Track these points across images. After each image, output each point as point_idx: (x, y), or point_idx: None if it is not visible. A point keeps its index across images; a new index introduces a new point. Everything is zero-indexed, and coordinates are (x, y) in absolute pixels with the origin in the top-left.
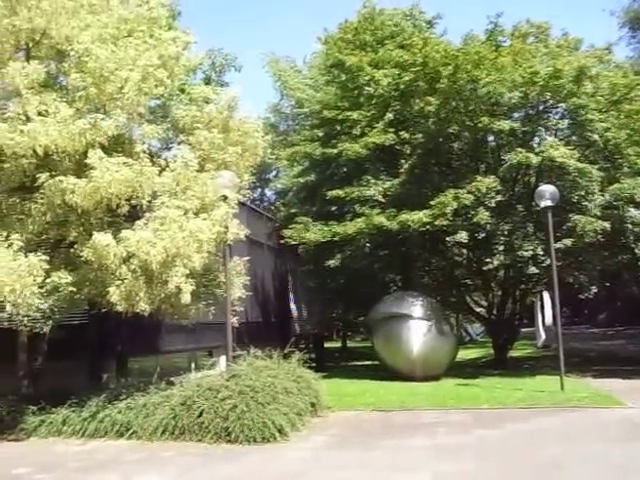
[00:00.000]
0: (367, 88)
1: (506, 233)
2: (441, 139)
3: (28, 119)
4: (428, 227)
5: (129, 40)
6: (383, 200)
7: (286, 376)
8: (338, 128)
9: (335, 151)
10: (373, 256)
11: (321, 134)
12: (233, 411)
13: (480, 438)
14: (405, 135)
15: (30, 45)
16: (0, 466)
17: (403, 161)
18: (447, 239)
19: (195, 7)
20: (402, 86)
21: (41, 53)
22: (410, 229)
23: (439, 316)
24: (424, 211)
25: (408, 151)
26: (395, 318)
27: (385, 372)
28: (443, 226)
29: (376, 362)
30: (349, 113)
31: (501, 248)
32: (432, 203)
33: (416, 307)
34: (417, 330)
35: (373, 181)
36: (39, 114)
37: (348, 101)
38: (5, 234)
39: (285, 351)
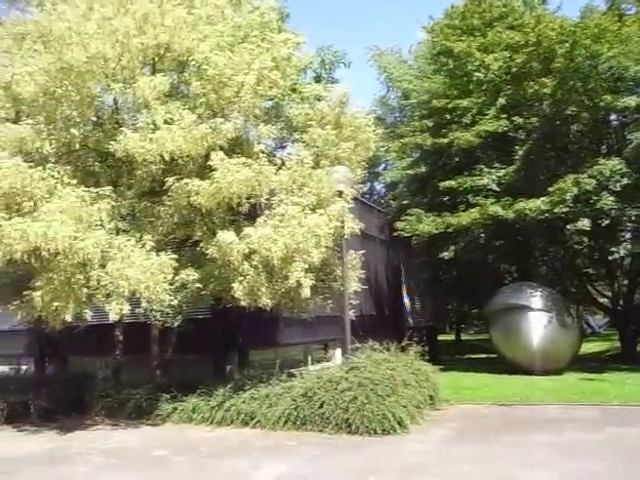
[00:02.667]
0: (477, 74)
1: (633, 219)
2: (558, 122)
3: (156, 128)
4: (546, 215)
5: (243, 46)
6: (497, 189)
7: (404, 369)
8: (448, 117)
9: (446, 141)
10: (488, 247)
11: (431, 124)
12: (353, 403)
13: (613, 436)
14: (519, 120)
15: (155, 60)
16: (141, 447)
17: (517, 147)
18: (567, 227)
19: (301, 5)
20: (514, 69)
21: (164, 66)
22: (527, 218)
23: (560, 307)
24: (542, 198)
25: (522, 137)
26: (513, 310)
27: (503, 365)
28: (562, 213)
29: (493, 355)
30: (459, 101)
31: (628, 235)
32: (550, 190)
33: (535, 298)
34: (537, 322)
35: (486, 170)
36: (165, 122)
37: (457, 89)
38: (138, 235)
39: (402, 344)
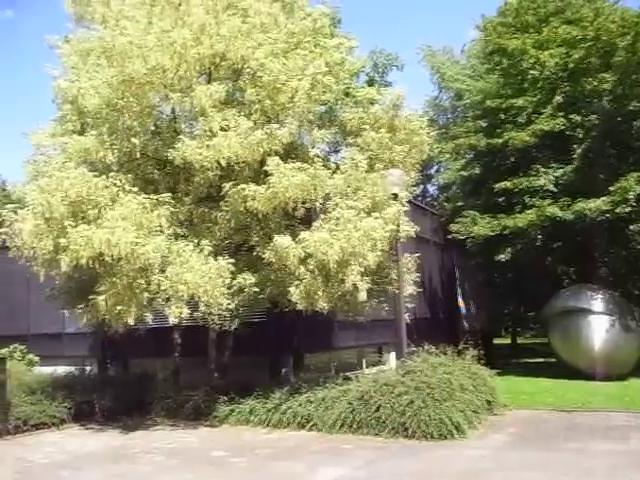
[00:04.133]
0: (531, 72)
1: None
2: (619, 118)
3: (213, 135)
4: (607, 215)
5: (297, 52)
6: (555, 189)
7: (461, 373)
8: (502, 117)
9: (500, 141)
10: (545, 248)
11: (484, 124)
12: (410, 407)
13: None
14: (576, 118)
15: (211, 68)
16: (200, 448)
17: (575, 146)
18: (629, 227)
19: (352, 9)
20: (571, 65)
21: (220, 74)
22: (587, 218)
23: (623, 310)
24: (602, 198)
25: (580, 135)
26: (573, 313)
27: (562, 370)
28: (625, 213)
29: (551, 359)
30: (513, 100)
31: None
32: (611, 189)
33: (596, 301)
34: (598, 325)
35: (543, 170)
36: (222, 129)
37: (511, 88)
38: (196, 240)
39: (458, 347)
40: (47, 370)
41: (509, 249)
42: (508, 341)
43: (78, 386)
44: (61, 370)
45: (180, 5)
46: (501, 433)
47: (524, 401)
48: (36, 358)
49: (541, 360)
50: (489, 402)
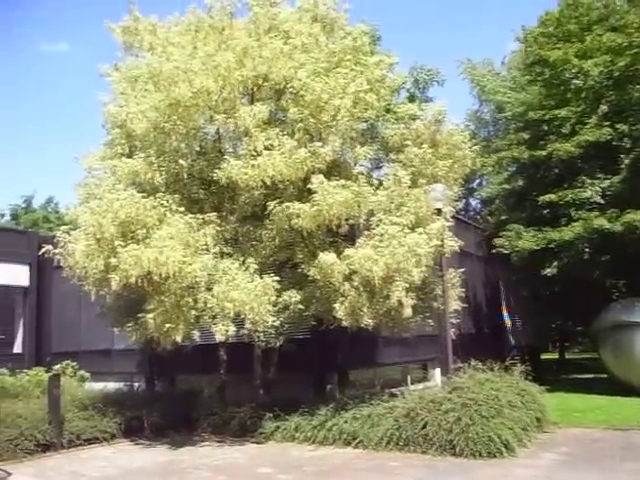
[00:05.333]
0: (575, 81)
1: None
2: None
3: (257, 154)
4: None
5: (338, 70)
6: (602, 201)
7: (509, 389)
8: (545, 128)
9: (544, 153)
10: (593, 262)
11: (527, 136)
12: (457, 424)
13: None
14: (623, 127)
15: (254, 89)
16: (247, 465)
17: (622, 156)
18: None
19: (390, 25)
20: (616, 73)
21: (262, 94)
22: (637, 230)
23: None
24: None
25: (628, 145)
26: (625, 327)
27: (615, 386)
28: None
29: (602, 375)
30: (556, 111)
31: None
32: None
33: None
34: None
35: (589, 181)
36: (266, 148)
37: (554, 99)
38: (242, 258)
39: (505, 363)
40: (97, 386)
41: (555, 263)
42: (556, 356)
43: (127, 402)
44: (111, 386)
45: (224, 30)
46: (552, 452)
47: (575, 419)
48: (87, 374)
49: (591, 376)
50: (539, 419)
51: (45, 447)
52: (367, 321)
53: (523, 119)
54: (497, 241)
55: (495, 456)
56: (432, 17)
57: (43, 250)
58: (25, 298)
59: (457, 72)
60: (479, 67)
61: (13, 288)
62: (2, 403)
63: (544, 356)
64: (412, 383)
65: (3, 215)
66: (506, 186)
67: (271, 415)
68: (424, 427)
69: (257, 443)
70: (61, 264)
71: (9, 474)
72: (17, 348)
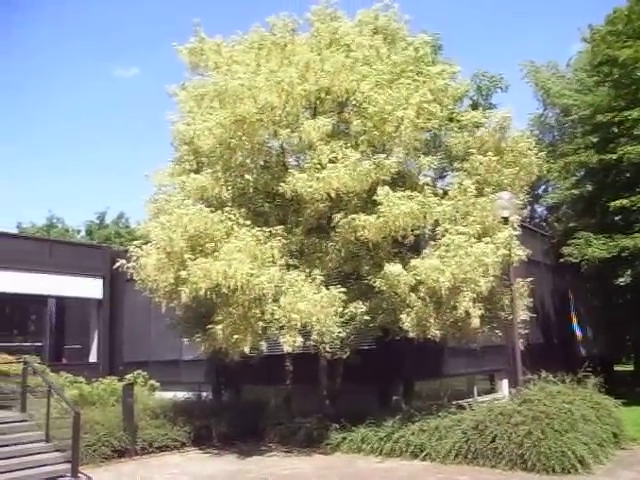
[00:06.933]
0: None
1: None
2: None
3: (322, 167)
4: None
5: (400, 81)
6: None
7: (582, 402)
8: (615, 131)
9: (614, 156)
10: None
11: (595, 140)
12: (528, 438)
13: None
14: None
15: (317, 103)
16: (314, 475)
17: None
18: None
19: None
20: None
21: (324, 108)
22: None
23: None
24: None
25: None
26: None
27: None
28: None
29: None
30: (627, 112)
31: None
32: None
33: None
34: None
35: None
36: (330, 161)
37: (624, 99)
38: (308, 270)
39: (577, 375)
40: (167, 395)
41: (629, 271)
42: (631, 368)
43: (196, 411)
44: (179, 395)
45: (286, 46)
46: (632, 470)
47: None
48: (157, 384)
49: None
50: (615, 435)
51: (120, 453)
52: (434, 332)
53: (591, 122)
54: (565, 249)
55: (569, 472)
56: (492, 21)
57: (117, 264)
58: (99, 310)
59: (519, 76)
60: (543, 70)
61: (88, 300)
62: (82, 410)
63: (618, 368)
64: (479, 394)
65: (79, 231)
66: (574, 191)
67: (337, 426)
68: (493, 440)
69: (323, 454)
70: (133, 277)
71: (89, 478)
72: (92, 357)
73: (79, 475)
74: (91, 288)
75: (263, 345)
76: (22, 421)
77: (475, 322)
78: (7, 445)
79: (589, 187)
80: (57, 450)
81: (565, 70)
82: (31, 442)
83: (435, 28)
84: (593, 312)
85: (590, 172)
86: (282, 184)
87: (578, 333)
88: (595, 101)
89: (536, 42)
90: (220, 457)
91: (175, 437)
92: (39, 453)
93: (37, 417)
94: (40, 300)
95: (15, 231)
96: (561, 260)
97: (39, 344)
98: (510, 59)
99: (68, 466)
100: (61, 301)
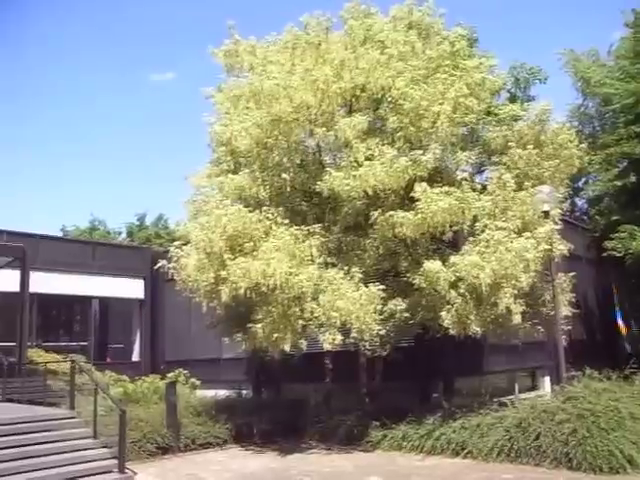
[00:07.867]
0: None
1: None
2: None
3: (359, 165)
4: None
5: (436, 76)
6: None
7: (630, 400)
8: None
9: None
10: None
11: (638, 129)
12: (573, 436)
13: None
14: None
15: (352, 101)
16: (356, 472)
17: None
18: None
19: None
20: None
21: (360, 105)
22: None
23: None
24: None
25: None
26: None
27: None
28: None
29: None
30: None
31: None
32: None
33: None
34: None
35: None
36: (366, 159)
37: None
38: (346, 268)
39: (624, 372)
40: (208, 393)
41: None
42: None
43: (237, 409)
44: (220, 394)
45: (320, 44)
46: None
47: None
48: (197, 382)
49: None
50: None
51: (164, 450)
52: (475, 329)
53: (634, 111)
54: (608, 243)
55: (618, 472)
56: (530, 10)
57: (158, 265)
58: (141, 310)
59: (558, 66)
60: (583, 58)
61: (130, 301)
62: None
63: None
64: (520, 392)
65: (120, 233)
66: (617, 183)
67: (377, 424)
68: (537, 438)
69: (364, 451)
70: (173, 277)
71: (135, 473)
72: (135, 356)
73: (126, 471)
74: (133, 288)
75: (303, 343)
76: (71, 418)
77: (516, 318)
78: (57, 441)
79: (633, 178)
80: (104, 446)
81: (606, 58)
82: (80, 438)
83: (470, 19)
84: (638, 307)
85: (633, 163)
86: (319, 183)
87: (622, 329)
88: (638, 89)
89: (576, 31)
90: (261, 454)
91: (217, 434)
92: (87, 449)
93: (84, 414)
94: (84, 301)
95: (60, 234)
96: (604, 254)
97: (84, 343)
98: (548, 49)
99: (115, 462)
100: (104, 301)
